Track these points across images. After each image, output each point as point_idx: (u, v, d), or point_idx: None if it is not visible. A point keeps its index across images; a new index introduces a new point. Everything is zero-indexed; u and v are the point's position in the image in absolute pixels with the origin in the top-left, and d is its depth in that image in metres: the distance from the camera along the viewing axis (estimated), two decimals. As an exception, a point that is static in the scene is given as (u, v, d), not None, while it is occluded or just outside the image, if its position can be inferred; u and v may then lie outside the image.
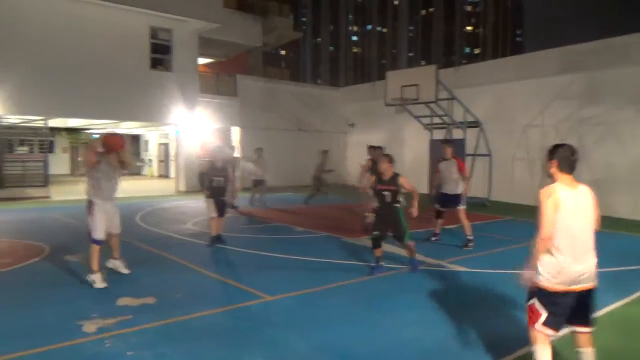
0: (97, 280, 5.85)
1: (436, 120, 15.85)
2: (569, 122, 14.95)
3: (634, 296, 5.81)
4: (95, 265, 5.91)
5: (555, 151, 3.49)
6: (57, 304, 5.29)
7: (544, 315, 3.33)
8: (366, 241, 9.05)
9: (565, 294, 3.29)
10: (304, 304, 5.48)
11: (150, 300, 5.37)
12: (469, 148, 15.06)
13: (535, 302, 3.38)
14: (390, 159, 6.76)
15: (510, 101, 16.66)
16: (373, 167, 8.98)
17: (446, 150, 8.74)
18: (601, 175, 14.15)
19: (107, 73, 16.18)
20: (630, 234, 10.59)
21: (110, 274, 6.36)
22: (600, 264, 3.45)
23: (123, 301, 5.31)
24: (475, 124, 15.24)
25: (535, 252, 3.30)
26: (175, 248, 8.24)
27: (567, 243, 3.27)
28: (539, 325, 3.36)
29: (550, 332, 3.37)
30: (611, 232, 9.99)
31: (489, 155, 15.72)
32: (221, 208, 8.31)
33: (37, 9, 14.79)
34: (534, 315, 3.38)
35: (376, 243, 6.77)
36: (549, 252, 3.29)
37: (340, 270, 6.98)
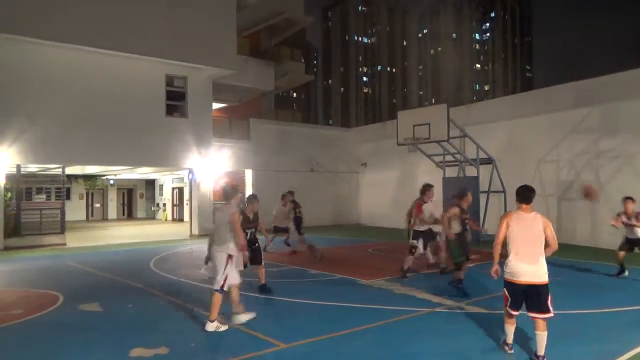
0: (221, 325, 6.02)
1: (448, 158, 15.80)
2: (585, 156, 14.81)
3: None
4: (216, 313, 6.03)
5: (517, 190, 5.08)
6: (68, 356, 5.21)
7: (509, 299, 4.91)
8: (382, 284, 8.89)
9: (516, 284, 4.84)
10: (319, 351, 5.32)
11: (163, 350, 5.26)
12: (483, 185, 14.91)
13: (505, 290, 4.98)
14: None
15: (524, 137, 16.61)
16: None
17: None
18: (619, 208, 13.85)
19: (123, 121, 16.58)
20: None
21: (125, 326, 6.30)
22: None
23: (136, 352, 5.21)
24: (488, 161, 15.16)
25: (494, 254, 5.09)
26: (189, 295, 8.15)
27: (516, 249, 4.87)
28: (508, 307, 4.94)
29: (512, 312, 4.94)
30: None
31: (503, 191, 15.55)
32: (256, 258, 8.02)
33: (55, 60, 15.31)
34: (505, 299, 4.98)
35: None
36: (508, 255, 4.91)
37: (356, 315, 6.81)
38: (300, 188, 20.63)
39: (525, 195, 4.99)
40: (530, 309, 4.81)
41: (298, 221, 12.92)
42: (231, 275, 6.14)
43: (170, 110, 17.96)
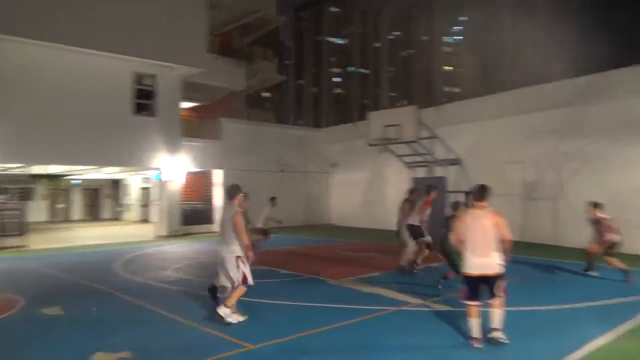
0: (240, 316, 6.35)
1: (418, 158, 16.01)
2: (548, 158, 15.23)
3: (621, 329, 5.79)
4: (234, 306, 6.34)
5: (472, 190, 5.61)
6: (27, 361, 5.04)
7: (466, 291, 5.33)
8: (350, 283, 8.93)
9: (471, 277, 5.30)
10: (288, 351, 5.31)
11: (126, 354, 5.15)
12: (451, 185, 15.17)
13: (463, 284, 5.43)
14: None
15: (490, 138, 16.95)
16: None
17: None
18: (578, 208, 14.30)
19: (90, 119, 16.12)
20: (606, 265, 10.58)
21: (87, 330, 6.15)
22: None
23: (98, 357, 5.08)
24: (456, 162, 15.43)
25: (460, 249, 5.49)
26: (154, 297, 8.01)
27: (470, 245, 5.34)
28: (464, 299, 5.35)
29: (471, 302, 5.29)
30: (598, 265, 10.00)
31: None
32: None
33: (16, 58, 14.77)
34: (462, 292, 5.44)
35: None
36: (465, 251, 5.37)
37: (325, 314, 6.82)
38: (270, 188, 20.60)
39: (478, 194, 5.49)
40: (486, 296, 5.32)
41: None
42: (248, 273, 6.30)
43: (139, 109, 17.59)
